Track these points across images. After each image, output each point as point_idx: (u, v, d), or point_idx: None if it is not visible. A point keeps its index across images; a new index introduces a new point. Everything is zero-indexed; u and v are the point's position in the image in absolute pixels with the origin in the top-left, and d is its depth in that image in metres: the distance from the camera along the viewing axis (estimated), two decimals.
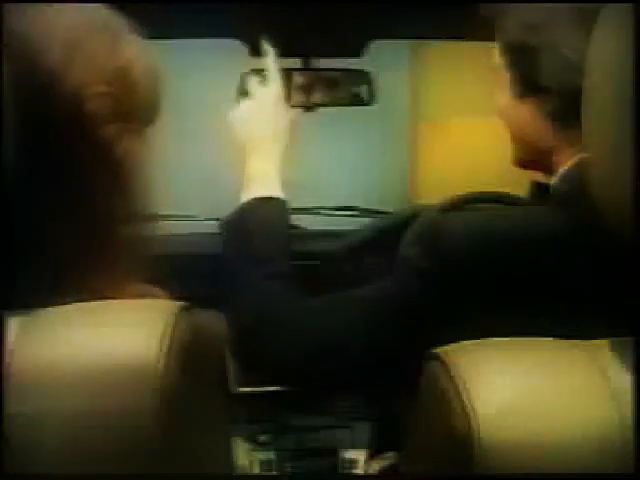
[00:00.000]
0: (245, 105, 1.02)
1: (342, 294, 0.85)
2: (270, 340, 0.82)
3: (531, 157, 0.89)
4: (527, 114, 0.85)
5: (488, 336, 0.62)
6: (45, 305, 0.58)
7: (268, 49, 1.04)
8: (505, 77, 0.87)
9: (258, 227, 0.90)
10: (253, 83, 1.03)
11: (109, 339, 0.56)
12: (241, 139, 1.00)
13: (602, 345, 0.60)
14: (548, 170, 0.86)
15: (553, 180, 0.85)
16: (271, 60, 1.04)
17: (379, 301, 0.82)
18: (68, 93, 0.61)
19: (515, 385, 0.57)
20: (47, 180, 0.62)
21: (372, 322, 0.81)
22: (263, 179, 0.95)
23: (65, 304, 0.59)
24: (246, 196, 0.94)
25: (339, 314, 0.83)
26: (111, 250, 0.66)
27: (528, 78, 0.84)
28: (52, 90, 0.61)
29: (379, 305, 0.81)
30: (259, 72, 1.15)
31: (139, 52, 0.67)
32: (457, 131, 3.09)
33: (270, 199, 0.93)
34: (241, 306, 0.86)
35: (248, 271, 0.87)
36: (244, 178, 0.96)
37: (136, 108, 0.66)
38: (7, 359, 0.54)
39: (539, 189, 0.85)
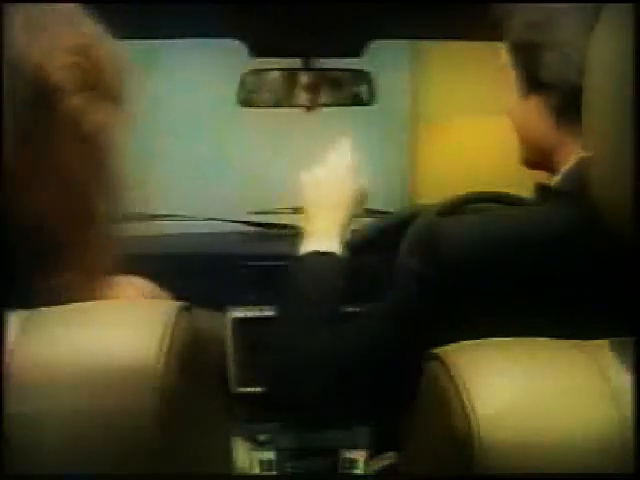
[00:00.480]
0: (318, 172, 1.04)
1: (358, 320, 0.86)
2: (296, 369, 0.85)
3: (538, 157, 0.89)
4: (533, 113, 0.85)
5: (488, 336, 0.62)
6: (45, 305, 0.58)
7: (347, 149, 1.06)
8: (512, 76, 0.87)
9: (312, 278, 0.94)
10: (329, 152, 1.06)
11: (109, 339, 0.56)
12: (309, 201, 1.03)
13: (602, 345, 0.60)
14: (554, 170, 0.86)
15: (554, 179, 0.84)
16: (347, 140, 1.06)
17: (382, 309, 0.82)
18: (34, 68, 0.61)
19: (515, 385, 0.57)
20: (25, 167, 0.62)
21: (376, 332, 0.82)
22: (323, 236, 0.99)
23: (64, 304, 0.59)
24: (305, 248, 0.97)
25: (356, 336, 0.84)
26: (88, 240, 0.66)
27: (534, 76, 0.83)
28: (18, 67, 0.61)
29: (383, 313, 0.82)
30: (259, 72, 1.15)
31: (100, 34, 0.68)
32: (457, 131, 3.09)
33: (327, 254, 0.96)
34: (284, 347, 0.89)
35: (296, 314, 0.91)
36: (304, 230, 1.01)
37: (102, 80, 0.67)
38: (7, 359, 0.54)
39: (543, 190, 0.85)
